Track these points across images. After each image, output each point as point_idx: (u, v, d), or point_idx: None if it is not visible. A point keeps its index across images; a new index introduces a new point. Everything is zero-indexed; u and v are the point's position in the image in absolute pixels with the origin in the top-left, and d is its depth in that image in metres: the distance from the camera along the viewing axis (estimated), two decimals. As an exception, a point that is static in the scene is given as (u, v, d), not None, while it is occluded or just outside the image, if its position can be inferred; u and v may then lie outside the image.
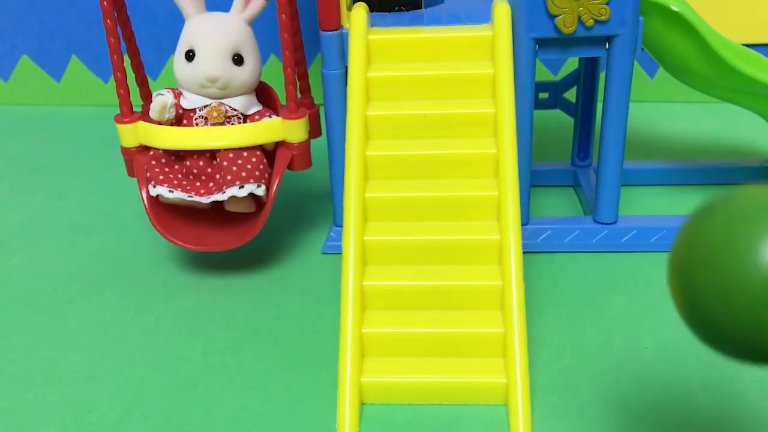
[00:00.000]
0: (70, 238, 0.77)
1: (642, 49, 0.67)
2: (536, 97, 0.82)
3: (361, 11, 0.62)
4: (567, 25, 0.60)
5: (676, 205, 0.78)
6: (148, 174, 0.65)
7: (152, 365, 0.56)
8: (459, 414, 0.50)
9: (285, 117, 0.64)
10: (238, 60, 0.63)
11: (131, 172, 0.68)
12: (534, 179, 0.79)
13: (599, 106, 0.74)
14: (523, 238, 0.68)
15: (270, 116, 0.66)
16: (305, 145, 0.66)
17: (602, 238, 0.69)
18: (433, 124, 0.59)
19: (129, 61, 0.68)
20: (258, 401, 0.52)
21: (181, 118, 0.65)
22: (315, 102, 0.74)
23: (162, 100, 0.63)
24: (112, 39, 0.63)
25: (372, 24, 0.65)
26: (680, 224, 0.23)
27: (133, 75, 0.69)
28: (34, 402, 0.53)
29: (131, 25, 0.67)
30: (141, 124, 0.66)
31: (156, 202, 0.66)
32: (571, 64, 1.09)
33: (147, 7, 1.10)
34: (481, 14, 0.67)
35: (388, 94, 0.60)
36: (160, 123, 0.64)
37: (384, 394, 0.51)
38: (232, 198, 0.64)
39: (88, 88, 1.19)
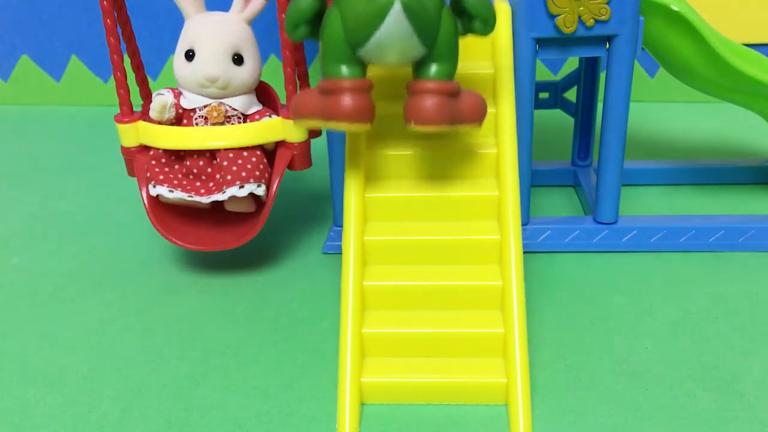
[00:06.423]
0: (70, 238, 0.77)
1: (642, 48, 0.67)
2: (536, 96, 0.82)
3: (361, 11, 0.62)
4: (567, 24, 0.60)
5: (676, 205, 0.78)
6: (148, 174, 0.65)
7: (152, 365, 0.56)
8: (459, 414, 0.50)
9: (285, 117, 0.64)
10: (237, 60, 0.63)
11: (131, 172, 0.68)
12: (534, 179, 0.79)
13: (600, 105, 0.74)
14: (524, 238, 0.68)
15: (270, 116, 0.66)
16: (305, 145, 0.66)
17: (602, 238, 0.69)
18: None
19: (129, 61, 0.68)
20: (258, 401, 0.52)
21: (181, 117, 0.65)
22: (315, 102, 0.74)
23: (162, 100, 0.63)
24: (112, 38, 0.63)
25: (372, 24, 0.65)
26: None
27: (133, 75, 0.69)
28: (34, 402, 0.53)
29: (131, 25, 0.67)
30: (141, 123, 0.66)
31: (156, 201, 0.66)
32: (572, 63, 1.09)
33: (147, 7, 1.10)
34: (482, 14, 0.67)
35: (387, 94, 0.60)
36: (160, 123, 0.64)
37: (384, 395, 0.51)
38: (232, 198, 0.64)
39: (88, 88, 1.19)
